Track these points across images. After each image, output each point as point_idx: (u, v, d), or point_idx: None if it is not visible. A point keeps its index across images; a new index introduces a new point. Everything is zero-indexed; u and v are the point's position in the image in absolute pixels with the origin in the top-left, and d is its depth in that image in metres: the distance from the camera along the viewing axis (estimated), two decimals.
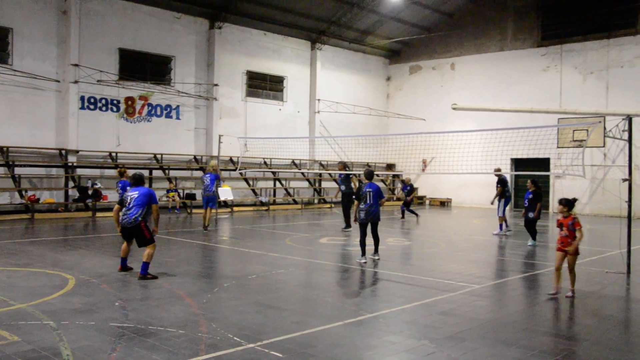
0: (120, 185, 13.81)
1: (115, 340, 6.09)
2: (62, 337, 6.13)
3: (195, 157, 25.68)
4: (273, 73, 28.90)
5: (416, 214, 22.04)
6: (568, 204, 8.98)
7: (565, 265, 8.71)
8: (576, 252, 8.71)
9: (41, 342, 5.93)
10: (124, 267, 9.93)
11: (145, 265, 9.35)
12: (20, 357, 5.48)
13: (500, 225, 17.25)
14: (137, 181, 9.97)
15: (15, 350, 5.67)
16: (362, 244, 11.39)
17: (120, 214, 9.68)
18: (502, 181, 17.47)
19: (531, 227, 14.77)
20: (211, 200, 16.85)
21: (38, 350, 5.68)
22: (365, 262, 11.24)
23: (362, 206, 11.33)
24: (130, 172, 12.27)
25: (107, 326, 6.60)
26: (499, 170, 18.18)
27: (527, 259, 12.66)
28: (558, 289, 8.62)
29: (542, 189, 15.02)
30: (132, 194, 9.68)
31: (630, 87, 25.53)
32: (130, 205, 9.54)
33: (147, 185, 10.98)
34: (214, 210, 17.66)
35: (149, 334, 6.31)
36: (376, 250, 11.68)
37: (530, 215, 14.62)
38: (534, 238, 14.77)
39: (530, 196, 14.73)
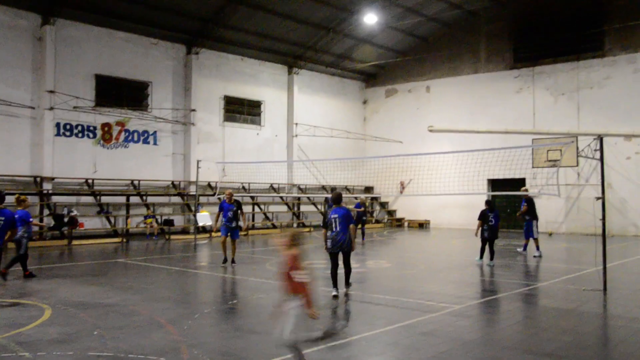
0: (17, 215, 11.67)
1: None
2: None
3: (173, 183, 25.52)
4: (250, 98, 29.00)
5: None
6: None
7: None
8: None
9: None
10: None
11: None
12: None
13: (537, 247, 16.76)
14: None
15: None
16: (333, 275, 10.21)
17: None
18: (529, 201, 17.23)
19: (482, 245, 15.07)
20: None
21: None
22: (336, 295, 10.05)
23: (328, 234, 10.18)
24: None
25: (85, 356, 6.48)
26: (526, 190, 18.41)
27: (506, 279, 12.77)
28: None
29: (493, 209, 15.02)
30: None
31: (600, 108, 26.17)
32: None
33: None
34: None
35: None
36: (347, 282, 10.47)
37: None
38: (481, 256, 15.11)
39: None
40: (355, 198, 25.59)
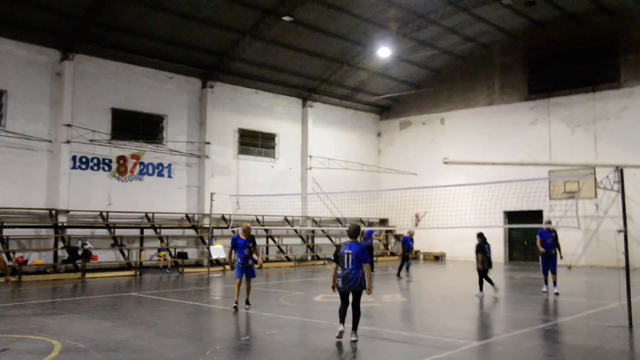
0: None
1: None
2: None
3: (187, 216, 25.51)
4: (265, 130, 29.14)
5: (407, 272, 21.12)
6: None
7: None
8: None
9: None
10: None
11: None
12: None
13: (555, 283, 15.58)
14: None
15: None
16: (341, 312, 9.28)
17: None
18: (555, 232, 15.91)
19: (480, 277, 15.20)
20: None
21: None
22: (343, 331, 9.09)
23: (339, 272, 9.17)
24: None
25: None
26: (549, 222, 17.11)
27: (526, 314, 12.42)
28: None
29: (486, 241, 15.43)
30: None
31: (617, 139, 25.86)
32: None
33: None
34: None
35: None
36: (354, 328, 9.15)
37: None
38: (480, 289, 15.10)
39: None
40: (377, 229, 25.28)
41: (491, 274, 15.36)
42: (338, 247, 9.40)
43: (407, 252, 21.45)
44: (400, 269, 21.15)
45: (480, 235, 15.51)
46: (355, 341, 8.99)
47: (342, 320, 9.21)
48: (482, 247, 15.29)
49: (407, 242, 21.54)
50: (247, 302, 12.72)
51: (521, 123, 29.01)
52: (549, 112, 28.25)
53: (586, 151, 26.51)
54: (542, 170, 24.77)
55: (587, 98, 27.13)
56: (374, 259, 23.78)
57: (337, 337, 9.09)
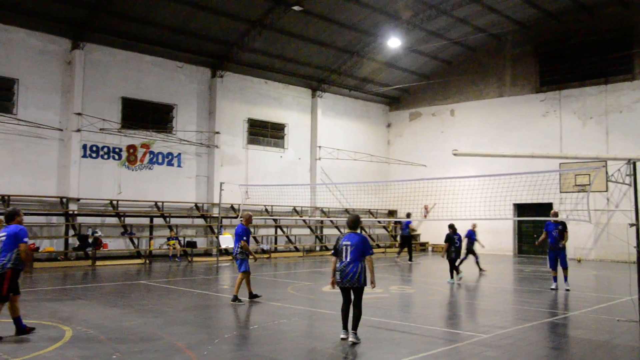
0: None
1: None
2: None
3: (196, 205, 25.59)
4: (274, 120, 29.12)
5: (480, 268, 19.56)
6: None
7: None
8: None
9: None
10: (22, 329, 8.55)
11: (20, 318, 8.56)
12: None
13: (566, 278, 14.86)
14: (7, 218, 8.55)
15: None
16: (343, 314, 8.62)
17: None
18: (564, 225, 15.03)
19: (450, 266, 16.48)
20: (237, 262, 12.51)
21: None
22: (346, 338, 8.48)
23: (338, 264, 8.55)
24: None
25: None
26: (555, 214, 15.94)
27: (535, 307, 12.38)
28: None
29: (456, 232, 16.72)
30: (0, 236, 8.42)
31: (630, 132, 25.63)
32: None
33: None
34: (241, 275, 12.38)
35: None
36: (354, 328, 8.42)
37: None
38: (451, 276, 16.30)
39: None
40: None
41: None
42: (337, 239, 8.77)
43: (472, 246, 19.78)
44: (478, 264, 19.66)
45: (451, 227, 16.59)
46: (355, 344, 8.27)
47: (345, 325, 8.57)
48: (451, 238, 16.45)
49: (471, 235, 19.81)
50: (254, 295, 12.45)
51: (532, 115, 28.80)
52: (560, 104, 28.02)
53: (598, 144, 26.29)
54: (552, 162, 24.63)
55: (599, 90, 26.86)
56: (412, 247, 24.81)
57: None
